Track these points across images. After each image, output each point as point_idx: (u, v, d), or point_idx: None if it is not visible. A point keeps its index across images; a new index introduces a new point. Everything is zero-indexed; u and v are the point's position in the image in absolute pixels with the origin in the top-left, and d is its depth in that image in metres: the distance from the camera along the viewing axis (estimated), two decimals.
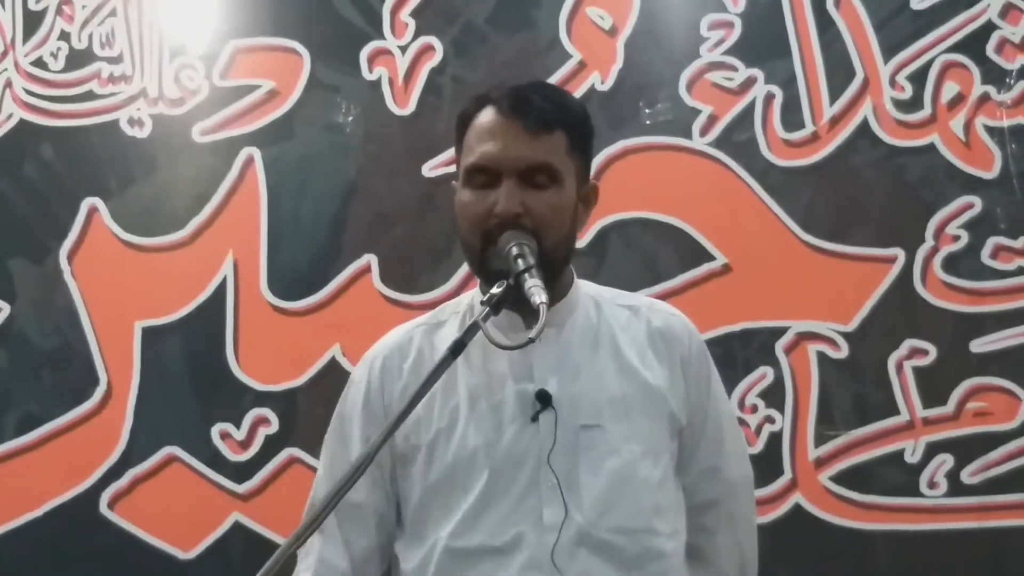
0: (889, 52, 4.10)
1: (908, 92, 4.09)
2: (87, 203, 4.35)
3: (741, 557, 2.64)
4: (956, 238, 4.01)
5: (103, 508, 4.24)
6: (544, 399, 2.37)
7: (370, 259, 4.24)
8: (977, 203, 4.01)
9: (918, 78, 4.09)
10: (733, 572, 2.63)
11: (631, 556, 2.36)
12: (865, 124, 4.09)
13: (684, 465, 2.51)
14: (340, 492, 2.06)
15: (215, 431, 4.23)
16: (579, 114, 2.47)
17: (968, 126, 4.05)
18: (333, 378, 4.09)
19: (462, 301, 2.55)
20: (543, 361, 2.41)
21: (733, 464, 2.61)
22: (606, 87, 4.20)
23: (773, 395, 4.05)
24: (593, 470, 2.37)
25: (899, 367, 4.00)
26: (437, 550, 2.35)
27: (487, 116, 2.39)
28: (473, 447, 2.37)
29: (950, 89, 4.07)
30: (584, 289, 2.54)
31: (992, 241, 4.00)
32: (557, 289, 2.42)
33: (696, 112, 4.16)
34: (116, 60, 4.39)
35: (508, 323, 2.32)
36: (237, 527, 4.20)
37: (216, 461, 4.23)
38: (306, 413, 4.18)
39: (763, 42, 4.17)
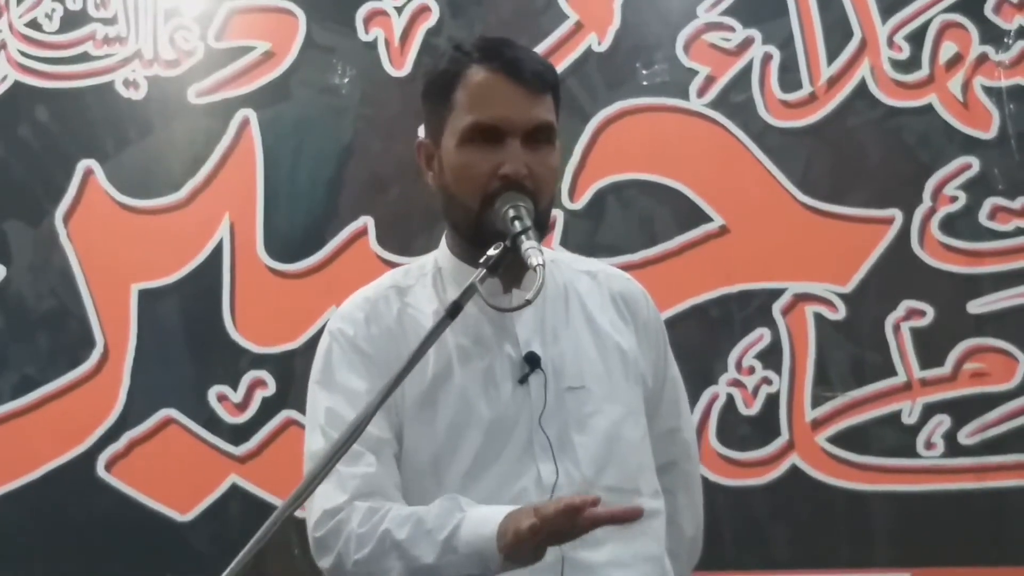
0: (887, 12, 4.09)
1: (906, 52, 4.08)
2: (82, 165, 4.34)
3: (696, 515, 2.69)
4: (954, 199, 4.01)
5: (100, 471, 4.24)
6: (533, 362, 2.37)
7: (366, 221, 4.23)
8: (975, 164, 4.01)
9: (916, 38, 4.08)
10: (690, 530, 2.68)
11: None
12: (863, 85, 4.08)
13: (647, 427, 2.52)
14: (348, 441, 2.04)
15: (212, 393, 4.23)
16: (557, 74, 2.48)
17: (966, 86, 4.04)
18: None
19: (426, 264, 2.54)
20: (525, 324, 2.40)
21: (687, 425, 2.69)
22: (603, 48, 4.19)
23: (770, 357, 4.05)
24: (583, 431, 2.38)
25: (896, 328, 4.00)
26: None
27: (480, 75, 2.37)
28: (468, 410, 2.36)
29: (948, 49, 4.06)
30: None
31: (990, 202, 4.00)
32: None
33: (693, 73, 4.15)
34: (111, 21, 4.37)
35: (489, 287, 2.30)
36: (234, 489, 4.20)
37: (213, 423, 4.23)
38: (303, 375, 4.08)
39: (760, 2, 4.16)
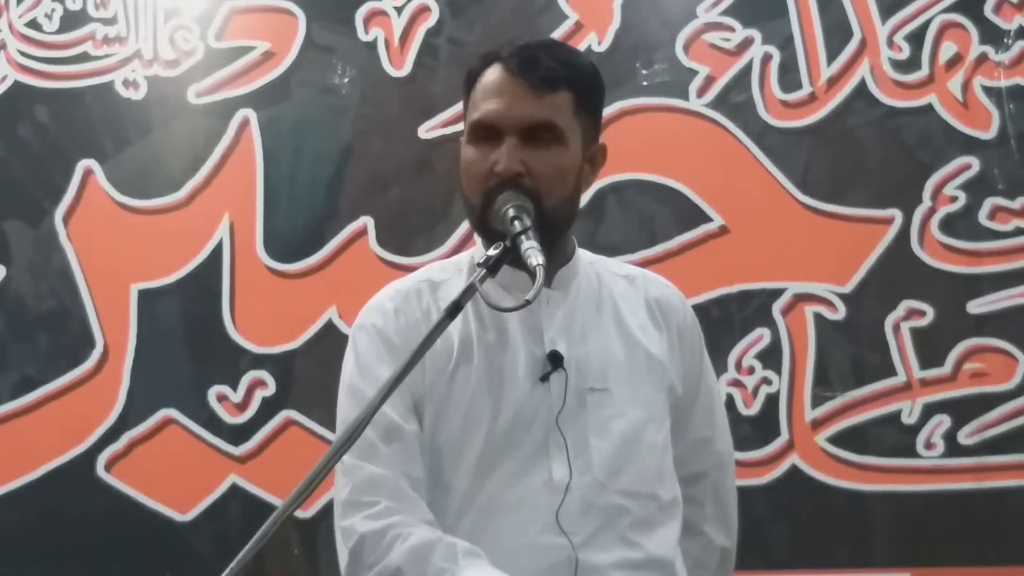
0: (887, 12, 4.10)
1: (906, 52, 4.08)
2: (82, 165, 4.34)
3: (727, 526, 2.68)
4: (954, 199, 4.01)
5: (100, 471, 4.24)
6: (556, 360, 2.36)
7: (366, 221, 4.23)
8: (975, 164, 4.01)
9: (916, 38, 4.08)
10: (721, 541, 2.66)
11: (636, 521, 2.36)
12: (863, 85, 4.09)
13: (676, 436, 2.51)
14: (356, 432, 2.04)
15: (212, 393, 4.23)
16: (587, 73, 2.43)
17: (966, 86, 4.04)
18: (330, 340, 4.09)
19: (462, 259, 2.53)
20: (551, 322, 2.39)
21: (722, 436, 2.64)
22: (603, 48, 4.19)
23: (770, 357, 4.05)
24: (601, 432, 2.36)
25: (896, 328, 4.00)
26: (448, 502, 2.34)
27: (493, 73, 2.37)
28: (483, 404, 2.35)
29: (948, 49, 4.07)
30: (582, 256, 2.54)
31: (990, 202, 4.00)
32: (561, 251, 2.42)
33: (693, 73, 4.16)
34: (110, 21, 4.37)
35: (514, 281, 2.30)
36: (234, 489, 4.20)
37: (213, 423, 4.23)
38: (303, 375, 4.18)
39: (760, 2, 4.17)
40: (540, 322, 2.39)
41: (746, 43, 4.14)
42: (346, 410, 2.43)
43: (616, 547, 2.33)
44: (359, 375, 2.41)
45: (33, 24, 4.39)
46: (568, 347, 2.38)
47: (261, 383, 4.22)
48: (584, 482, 2.32)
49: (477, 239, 2.49)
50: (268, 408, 4.22)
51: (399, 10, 4.28)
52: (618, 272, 2.57)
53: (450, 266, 2.53)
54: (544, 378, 2.36)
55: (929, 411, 3.97)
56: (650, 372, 2.44)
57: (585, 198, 4.07)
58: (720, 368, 4.02)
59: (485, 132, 2.34)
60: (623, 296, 2.51)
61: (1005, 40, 4.04)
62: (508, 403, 2.35)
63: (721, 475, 2.64)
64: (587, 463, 2.34)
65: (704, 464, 2.59)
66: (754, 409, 4.03)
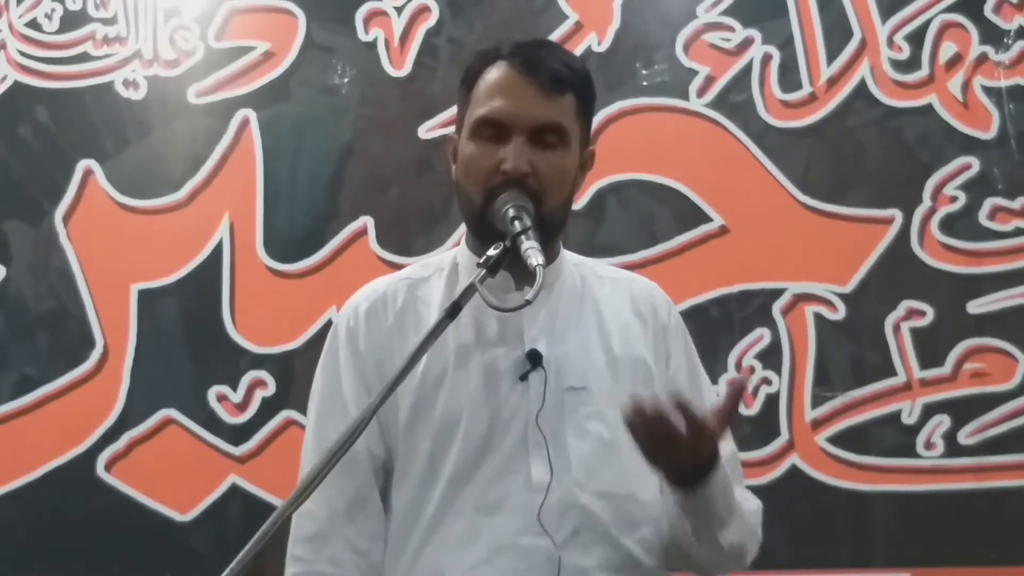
0: (887, 12, 4.10)
1: (906, 52, 4.08)
2: (82, 165, 4.34)
3: None
4: (954, 199, 4.01)
5: (100, 471, 4.24)
6: (535, 359, 2.36)
7: (366, 221, 4.23)
8: (975, 164, 4.02)
9: (916, 38, 4.09)
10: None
11: (615, 521, 2.36)
12: (863, 85, 4.09)
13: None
14: (332, 460, 2.05)
15: (212, 393, 4.23)
16: (587, 78, 2.46)
17: (966, 86, 4.04)
18: None
19: (445, 259, 2.54)
20: (532, 322, 2.40)
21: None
22: (603, 48, 4.19)
23: (770, 357, 4.05)
24: (579, 433, 2.36)
25: (896, 328, 4.00)
26: (428, 504, 2.34)
27: (499, 71, 2.38)
28: (462, 405, 2.36)
29: (948, 49, 4.07)
30: (567, 257, 2.54)
31: (990, 202, 4.01)
32: (549, 252, 2.41)
33: (693, 73, 4.16)
34: (110, 21, 4.37)
35: (500, 283, 2.31)
36: (234, 489, 4.20)
37: (213, 423, 4.23)
38: (303, 375, 4.17)
39: (760, 2, 4.18)
40: (521, 322, 2.39)
41: (746, 43, 4.14)
42: (312, 411, 2.48)
43: (597, 547, 2.33)
44: (330, 390, 2.45)
45: (33, 24, 4.40)
46: (548, 346, 2.39)
47: (261, 383, 4.22)
48: (564, 482, 2.33)
49: (463, 240, 2.50)
50: (268, 408, 4.21)
51: (399, 10, 4.28)
52: (603, 274, 2.58)
53: (433, 264, 2.55)
54: (523, 377, 2.36)
55: (929, 411, 3.97)
56: (631, 371, 2.45)
57: (584, 199, 4.11)
58: (720, 368, 4.03)
59: (492, 129, 2.35)
60: (608, 297, 2.52)
61: (1005, 40, 4.05)
62: (487, 402, 2.36)
63: None
64: (566, 463, 2.34)
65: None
66: (754, 409, 4.03)
